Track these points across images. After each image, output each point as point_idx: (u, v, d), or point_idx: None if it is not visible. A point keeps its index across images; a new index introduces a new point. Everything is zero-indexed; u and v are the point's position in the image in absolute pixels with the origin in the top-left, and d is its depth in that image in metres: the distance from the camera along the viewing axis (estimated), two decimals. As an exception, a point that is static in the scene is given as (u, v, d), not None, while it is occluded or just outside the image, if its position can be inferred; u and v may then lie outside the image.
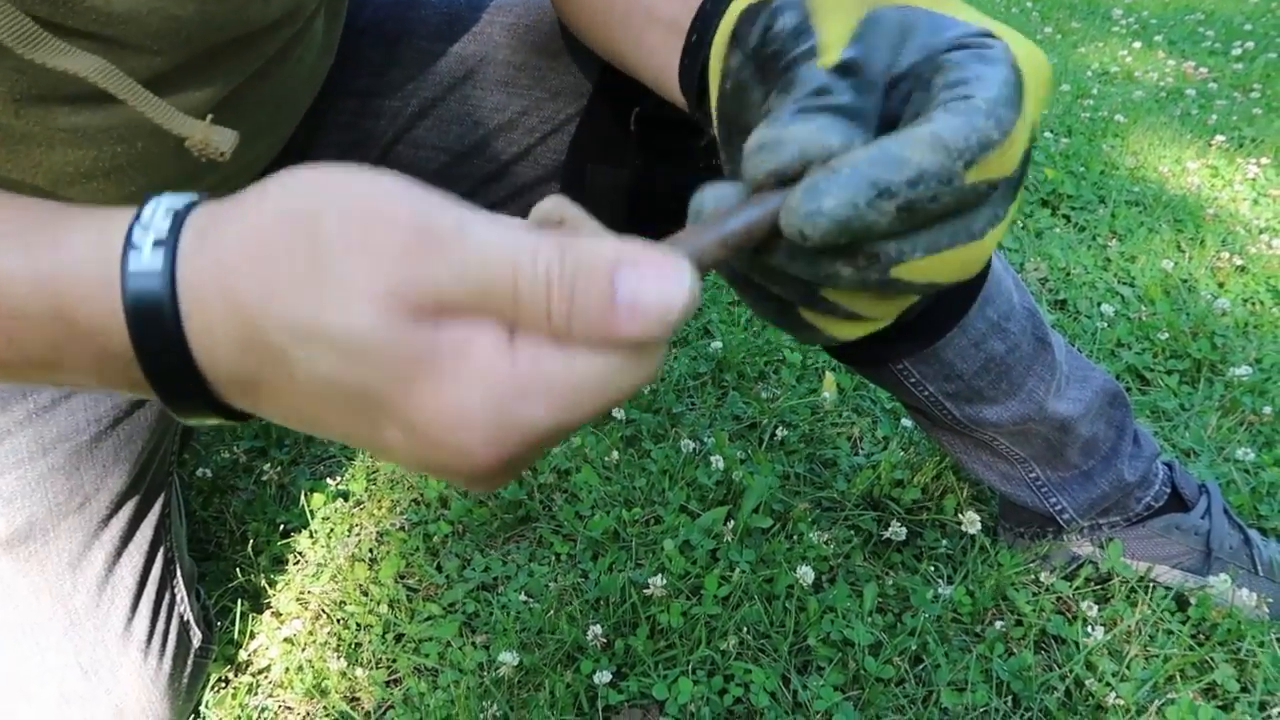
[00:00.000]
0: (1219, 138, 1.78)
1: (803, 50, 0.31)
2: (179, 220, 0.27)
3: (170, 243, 0.27)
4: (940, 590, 0.85)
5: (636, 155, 0.67)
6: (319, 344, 0.25)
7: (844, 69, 0.30)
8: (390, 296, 0.24)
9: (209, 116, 0.49)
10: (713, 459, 0.97)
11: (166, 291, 0.26)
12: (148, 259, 0.27)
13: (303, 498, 0.96)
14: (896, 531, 0.89)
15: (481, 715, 0.75)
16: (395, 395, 0.25)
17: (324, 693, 0.79)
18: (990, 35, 0.31)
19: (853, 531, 0.92)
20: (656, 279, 0.24)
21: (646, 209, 0.69)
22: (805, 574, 0.83)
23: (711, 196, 0.30)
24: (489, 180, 0.71)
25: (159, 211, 0.28)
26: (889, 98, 0.31)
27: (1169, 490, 0.85)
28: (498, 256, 0.24)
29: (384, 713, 0.78)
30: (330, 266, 0.25)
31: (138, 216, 0.28)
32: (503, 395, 0.24)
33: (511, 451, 0.25)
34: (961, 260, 0.30)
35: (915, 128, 0.27)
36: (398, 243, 0.24)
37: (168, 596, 0.75)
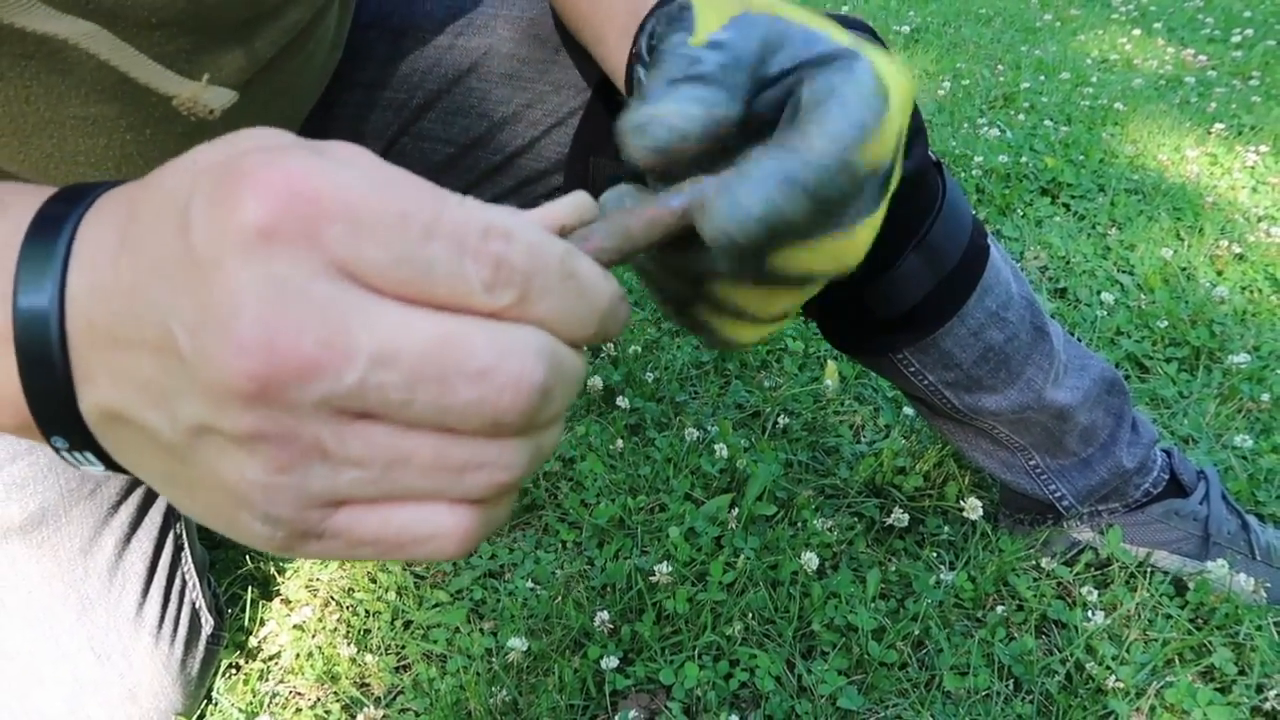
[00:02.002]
0: (1218, 125, 1.78)
1: (677, 36, 0.32)
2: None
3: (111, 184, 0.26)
4: (942, 576, 0.86)
5: None
6: (194, 159, 0.23)
7: (712, 45, 0.31)
8: (287, 145, 0.22)
9: (205, 77, 0.48)
10: (716, 447, 0.98)
11: (82, 206, 0.25)
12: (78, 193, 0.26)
13: (310, 486, 0.97)
14: (899, 518, 0.90)
15: (490, 700, 0.76)
16: (219, 195, 0.21)
17: (335, 678, 0.80)
18: (856, 52, 0.32)
19: (856, 518, 0.93)
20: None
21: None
22: (809, 560, 0.84)
23: (614, 196, 0.31)
24: (494, 172, 0.71)
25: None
26: (756, 99, 0.32)
27: (1168, 476, 0.86)
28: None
29: (394, 698, 0.79)
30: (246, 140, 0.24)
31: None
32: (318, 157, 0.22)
33: (304, 200, 0.21)
34: (833, 252, 0.31)
35: (802, 124, 0.29)
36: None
37: (178, 582, 0.76)
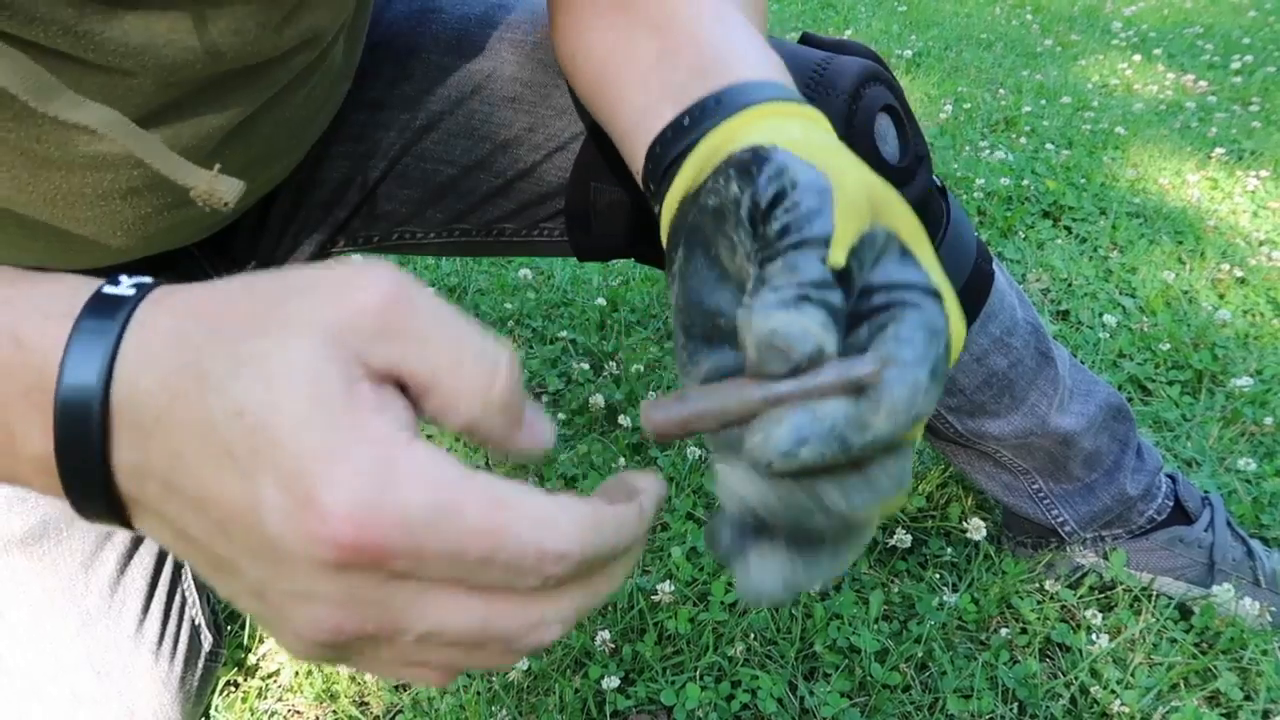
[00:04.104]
0: (1218, 150, 1.79)
1: (815, 236, 0.31)
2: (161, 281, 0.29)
3: (151, 285, 0.29)
4: (945, 598, 0.86)
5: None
6: (249, 366, 0.25)
7: (842, 274, 0.31)
8: (338, 337, 0.25)
9: (216, 167, 0.50)
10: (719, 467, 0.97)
11: (124, 312, 0.27)
12: (124, 289, 0.28)
13: (311, 503, 0.97)
14: (902, 539, 0.90)
15: (490, 720, 0.75)
16: (291, 437, 0.24)
17: (333, 697, 0.79)
18: (938, 295, 0.33)
19: (858, 539, 0.93)
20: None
21: (649, 226, 0.70)
22: (811, 581, 0.84)
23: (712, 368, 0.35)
24: (495, 195, 0.71)
25: (148, 277, 0.30)
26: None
27: (1172, 503, 0.86)
28: (452, 324, 0.27)
29: (393, 717, 0.78)
30: (289, 302, 0.26)
31: (132, 274, 0.29)
32: (388, 462, 0.24)
33: (374, 533, 0.24)
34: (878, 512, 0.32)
35: (875, 394, 0.29)
36: (372, 295, 0.26)
37: (178, 599, 0.75)
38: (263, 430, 0.24)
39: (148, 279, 0.29)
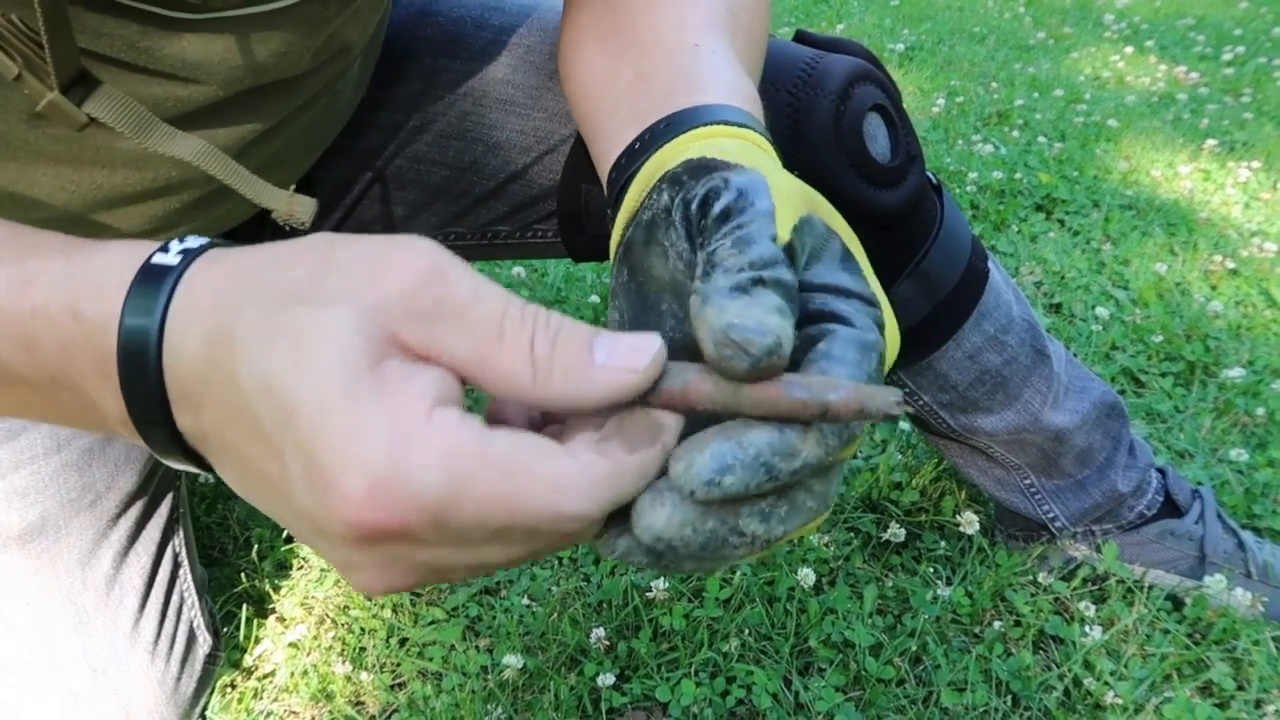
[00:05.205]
0: (1210, 142, 1.80)
1: (761, 212, 0.31)
2: (213, 243, 0.30)
3: (198, 250, 0.29)
4: (939, 591, 0.86)
5: None
6: (283, 336, 0.25)
7: (787, 250, 0.30)
8: (371, 313, 0.25)
9: (292, 187, 0.52)
10: (713, 463, 0.97)
11: (171, 280, 0.28)
12: (171, 256, 0.29)
13: (306, 503, 0.97)
14: (895, 533, 0.90)
15: (486, 718, 0.75)
16: (313, 415, 0.24)
17: (329, 697, 0.79)
18: (876, 306, 0.32)
19: (852, 534, 0.93)
20: (630, 340, 0.27)
21: None
22: (806, 576, 0.84)
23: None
24: (487, 197, 0.71)
25: (198, 238, 0.31)
26: None
27: (1162, 498, 0.86)
28: (490, 296, 0.27)
29: (389, 716, 0.78)
30: (330, 275, 0.27)
31: (182, 239, 0.30)
32: (404, 438, 0.24)
33: (391, 515, 0.24)
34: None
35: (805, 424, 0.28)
36: (409, 274, 0.26)
37: (175, 599, 0.75)
38: (287, 406, 0.25)
39: (198, 243, 0.30)
